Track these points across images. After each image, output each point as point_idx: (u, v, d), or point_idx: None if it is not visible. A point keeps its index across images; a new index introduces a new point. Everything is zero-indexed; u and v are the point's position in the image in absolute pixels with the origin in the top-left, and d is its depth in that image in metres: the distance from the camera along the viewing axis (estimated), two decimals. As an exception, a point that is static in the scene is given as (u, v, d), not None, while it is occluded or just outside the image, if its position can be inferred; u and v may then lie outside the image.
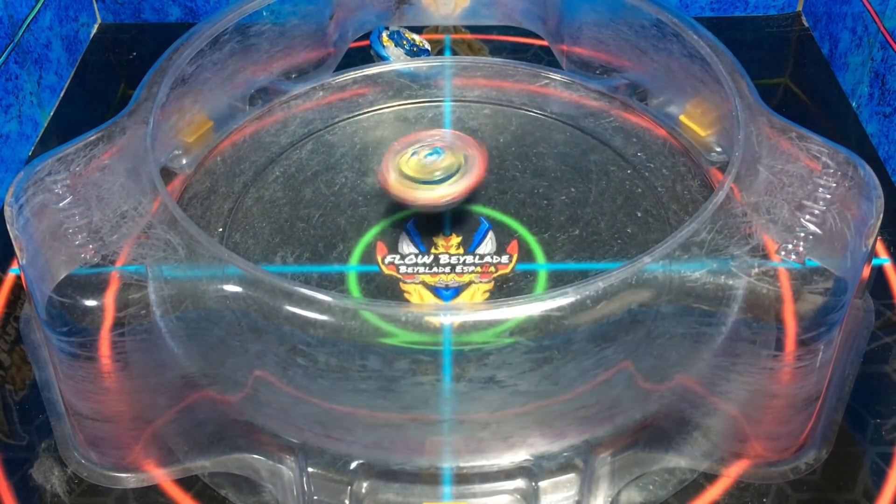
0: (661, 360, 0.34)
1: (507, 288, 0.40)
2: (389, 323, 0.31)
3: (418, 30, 0.56)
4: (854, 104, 0.54)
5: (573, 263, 0.41)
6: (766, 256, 0.33)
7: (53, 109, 0.55)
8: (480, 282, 0.41)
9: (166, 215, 0.34)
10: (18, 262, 0.34)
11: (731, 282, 0.32)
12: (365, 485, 0.35)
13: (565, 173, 0.45)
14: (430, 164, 0.40)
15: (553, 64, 0.52)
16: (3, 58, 0.49)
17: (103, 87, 0.57)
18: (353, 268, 0.41)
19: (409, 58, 0.54)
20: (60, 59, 0.56)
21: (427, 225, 0.43)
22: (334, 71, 0.51)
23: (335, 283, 0.40)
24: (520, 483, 0.35)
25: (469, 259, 0.41)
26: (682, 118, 0.46)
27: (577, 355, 0.32)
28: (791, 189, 0.35)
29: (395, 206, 0.43)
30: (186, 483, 0.36)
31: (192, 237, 0.34)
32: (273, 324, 0.32)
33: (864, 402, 0.38)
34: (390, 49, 0.54)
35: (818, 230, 0.33)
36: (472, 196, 0.42)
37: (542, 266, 0.41)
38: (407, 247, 0.42)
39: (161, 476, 0.36)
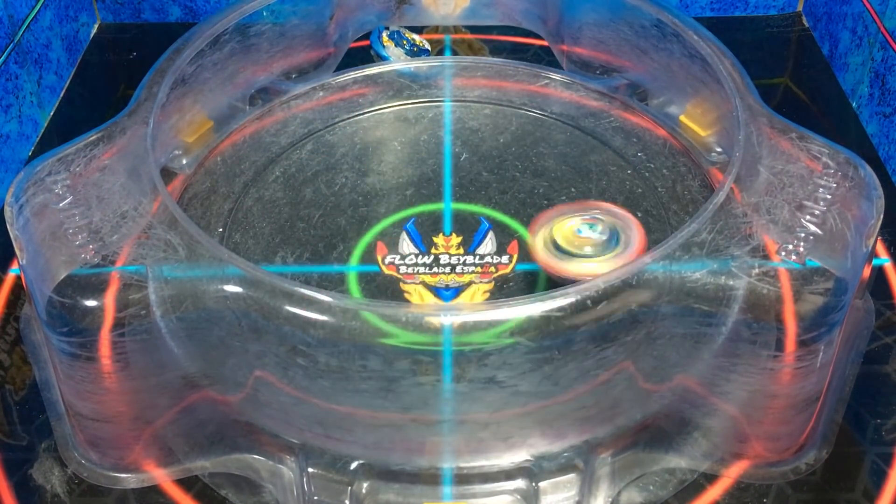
0: (661, 361, 0.34)
1: (507, 288, 0.40)
2: (390, 323, 0.31)
3: (418, 30, 0.56)
4: (854, 104, 0.54)
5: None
6: (766, 257, 0.33)
7: (53, 109, 0.55)
8: (481, 282, 0.40)
9: (166, 215, 0.34)
10: (18, 262, 0.34)
11: (731, 282, 0.32)
12: (365, 485, 0.35)
13: (565, 173, 0.45)
14: (583, 237, 0.38)
15: (553, 64, 0.52)
16: (3, 58, 0.49)
17: (103, 87, 0.57)
18: (353, 268, 0.41)
19: (409, 58, 0.54)
20: (60, 59, 0.56)
21: (427, 225, 0.43)
22: (334, 71, 0.51)
23: (335, 284, 0.40)
24: (520, 483, 0.35)
25: (469, 259, 0.41)
26: (683, 118, 0.46)
27: (578, 356, 0.32)
28: (791, 189, 0.35)
29: (396, 206, 0.43)
30: (186, 483, 0.36)
31: (192, 237, 0.34)
32: (273, 324, 0.32)
33: (865, 402, 0.38)
34: (390, 49, 0.54)
35: (818, 230, 0.33)
36: (473, 197, 0.41)
37: (542, 266, 0.41)
38: (407, 247, 0.42)
39: (161, 476, 0.36)
